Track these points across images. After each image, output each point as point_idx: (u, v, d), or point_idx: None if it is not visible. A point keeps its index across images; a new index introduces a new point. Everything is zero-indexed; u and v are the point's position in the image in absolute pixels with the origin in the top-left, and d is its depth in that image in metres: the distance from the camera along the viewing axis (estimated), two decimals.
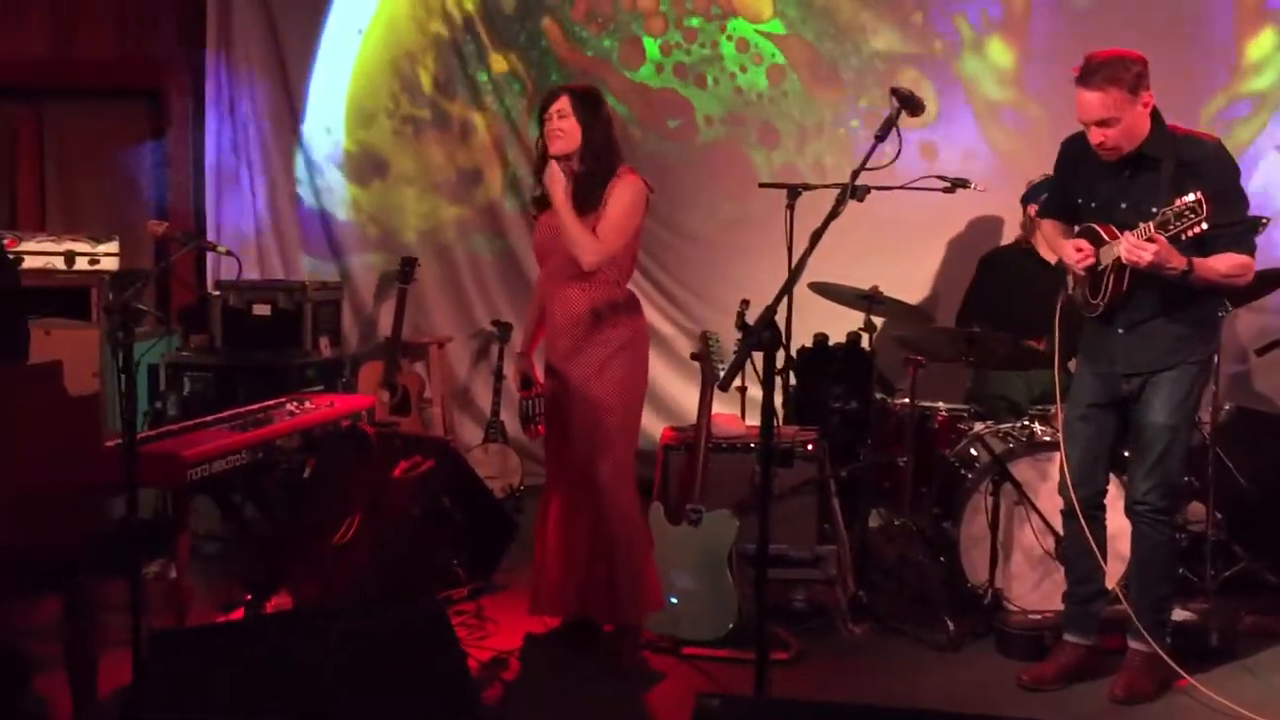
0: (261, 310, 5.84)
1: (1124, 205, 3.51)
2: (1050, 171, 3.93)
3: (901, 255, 5.76)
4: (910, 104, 3.28)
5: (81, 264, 5.63)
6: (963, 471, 4.39)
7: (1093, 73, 3.40)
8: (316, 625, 2.90)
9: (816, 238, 3.02)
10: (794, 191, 4.20)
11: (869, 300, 4.63)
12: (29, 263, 5.50)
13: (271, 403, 4.42)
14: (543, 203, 3.89)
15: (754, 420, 4.51)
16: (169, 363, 5.72)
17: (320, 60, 6.55)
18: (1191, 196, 3.23)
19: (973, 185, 4.16)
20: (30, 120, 6.85)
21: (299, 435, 4.19)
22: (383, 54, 6.53)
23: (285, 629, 2.98)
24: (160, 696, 2.57)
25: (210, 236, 6.46)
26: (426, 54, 6.49)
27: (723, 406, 4.49)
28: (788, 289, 3.14)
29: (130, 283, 4.85)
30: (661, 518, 4.08)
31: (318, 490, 4.31)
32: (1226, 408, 4.60)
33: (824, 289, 4.69)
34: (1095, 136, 3.47)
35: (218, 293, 5.94)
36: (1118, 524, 3.78)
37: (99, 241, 5.71)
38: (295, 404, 4.39)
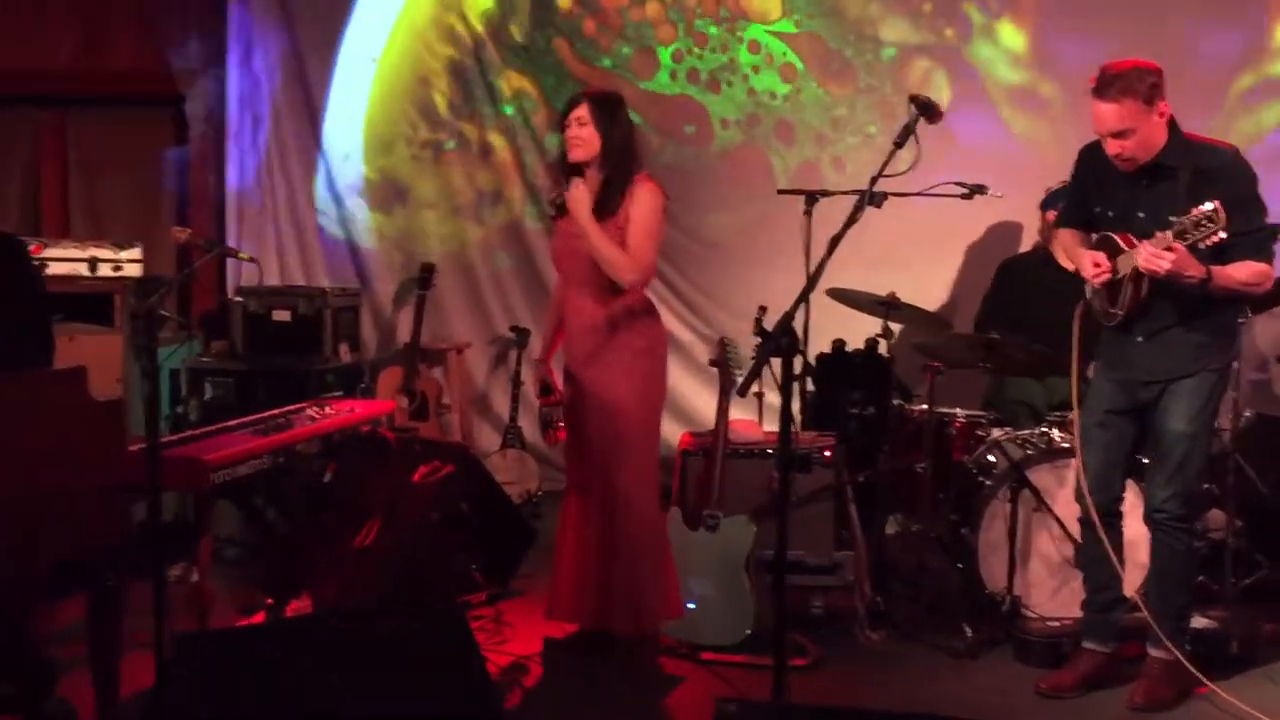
0: (282, 316, 5.88)
1: (1141, 214, 3.50)
2: (1067, 176, 3.92)
3: (919, 261, 5.76)
4: (928, 111, 3.29)
5: (105, 270, 5.68)
6: (981, 478, 4.38)
7: (1108, 84, 3.40)
8: (337, 629, 2.92)
9: (834, 244, 3.03)
10: (812, 198, 4.21)
11: (887, 306, 4.64)
12: (53, 269, 5.55)
13: (292, 408, 4.45)
14: (562, 208, 3.91)
15: (771, 426, 4.51)
16: (190, 368, 5.76)
17: (335, 88, 6.59)
18: (1209, 206, 3.22)
19: (990, 191, 4.16)
20: (55, 128, 6.92)
21: (319, 440, 4.22)
22: (398, 80, 6.56)
23: (305, 632, 3.00)
24: (182, 698, 2.60)
25: (231, 242, 6.52)
26: (440, 78, 6.53)
27: (740, 412, 4.50)
28: (805, 295, 3.15)
29: (153, 289, 4.91)
30: (679, 523, 4.09)
31: (338, 495, 4.34)
32: (1247, 415, 4.58)
33: (842, 295, 4.70)
34: (1112, 147, 3.47)
35: (239, 298, 5.98)
36: (1137, 531, 3.77)
37: (122, 248, 5.76)
38: (316, 409, 4.42)
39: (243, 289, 6.11)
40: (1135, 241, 3.45)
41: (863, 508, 4.55)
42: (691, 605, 4.02)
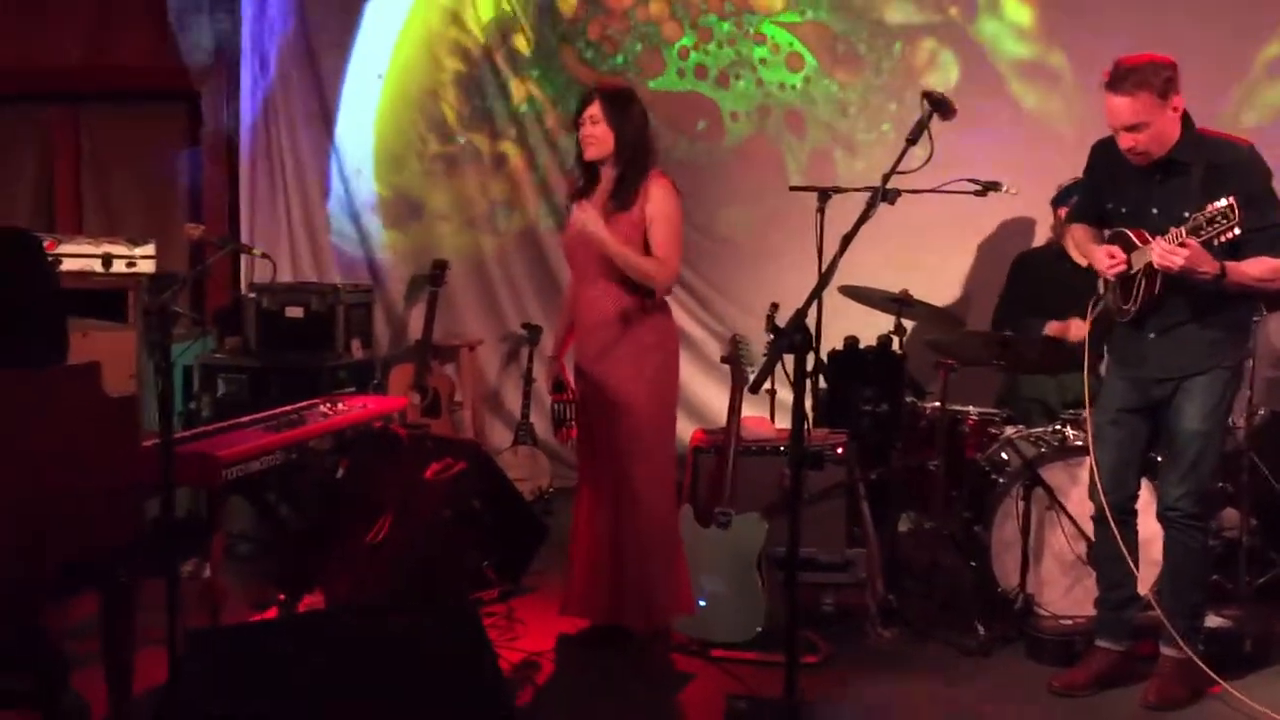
0: (295, 312, 5.89)
1: (1155, 210, 3.49)
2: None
3: (932, 258, 5.75)
4: (942, 107, 3.28)
5: (119, 266, 5.69)
6: (994, 476, 4.37)
7: (1122, 78, 3.39)
8: (349, 625, 2.92)
9: (847, 241, 3.03)
10: (824, 195, 4.20)
11: (900, 303, 4.63)
12: (67, 265, 5.57)
13: (305, 404, 4.46)
14: (578, 199, 3.91)
15: (784, 423, 4.51)
16: (203, 364, 5.77)
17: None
18: (1224, 202, 3.20)
19: (1004, 188, 4.14)
20: (68, 124, 6.94)
21: (332, 436, 4.23)
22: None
23: (318, 628, 3.01)
24: (195, 694, 2.60)
25: (244, 238, 6.54)
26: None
27: (752, 409, 4.49)
28: (818, 292, 3.15)
29: (167, 285, 4.92)
30: (691, 520, 4.09)
31: (350, 491, 4.35)
32: (1261, 413, 4.56)
33: (854, 292, 4.69)
34: (1125, 141, 3.46)
35: (252, 295, 5.99)
36: (1151, 529, 3.75)
37: (136, 244, 5.77)
38: (328, 405, 4.43)
39: (256, 285, 6.12)
40: (1149, 237, 3.43)
41: (875, 505, 4.54)
42: (703, 602, 4.01)
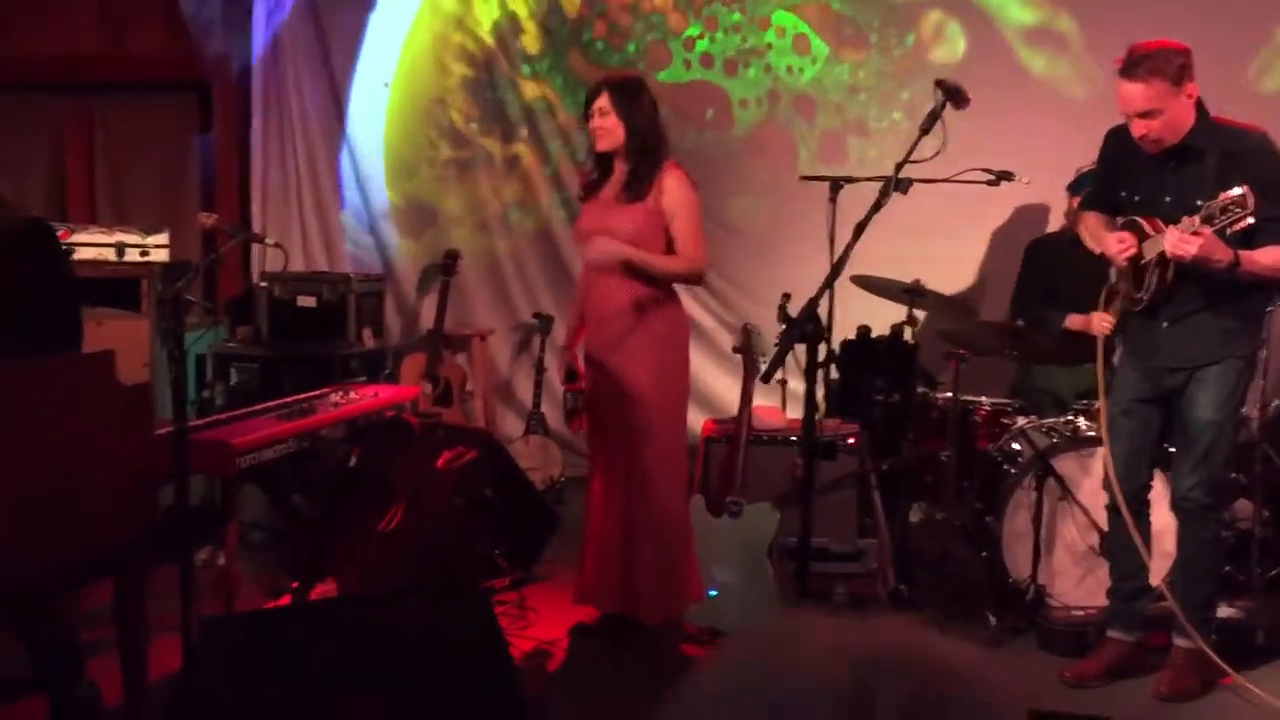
0: (306, 302, 5.90)
1: (1168, 198, 3.47)
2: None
3: (945, 247, 5.73)
4: (955, 96, 3.27)
5: (132, 255, 5.71)
6: (1005, 466, 4.36)
7: (1135, 64, 3.37)
8: (362, 612, 2.94)
9: (859, 230, 3.02)
10: (836, 185, 4.19)
11: (911, 293, 4.62)
12: (80, 254, 5.58)
13: (317, 393, 4.47)
14: (590, 190, 3.91)
15: (795, 413, 4.51)
16: (216, 353, 5.78)
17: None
18: (1237, 190, 3.19)
19: (1018, 178, 4.13)
20: (81, 114, 6.95)
21: (344, 425, 4.24)
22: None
23: (331, 616, 3.02)
24: (209, 681, 2.62)
25: (256, 228, 6.55)
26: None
27: (764, 399, 4.49)
28: (830, 282, 3.15)
29: (180, 274, 4.93)
30: (702, 510, 4.09)
31: (362, 479, 4.36)
32: (1275, 403, 4.54)
33: (866, 282, 4.68)
34: (1138, 129, 3.44)
35: (264, 284, 6.01)
36: (1163, 520, 3.75)
37: (149, 233, 5.79)
38: (340, 394, 4.44)
39: (268, 274, 6.13)
40: (1162, 226, 3.42)
41: (886, 495, 4.54)
42: (714, 592, 4.02)
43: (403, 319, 6.68)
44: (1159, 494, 3.77)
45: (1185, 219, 3.31)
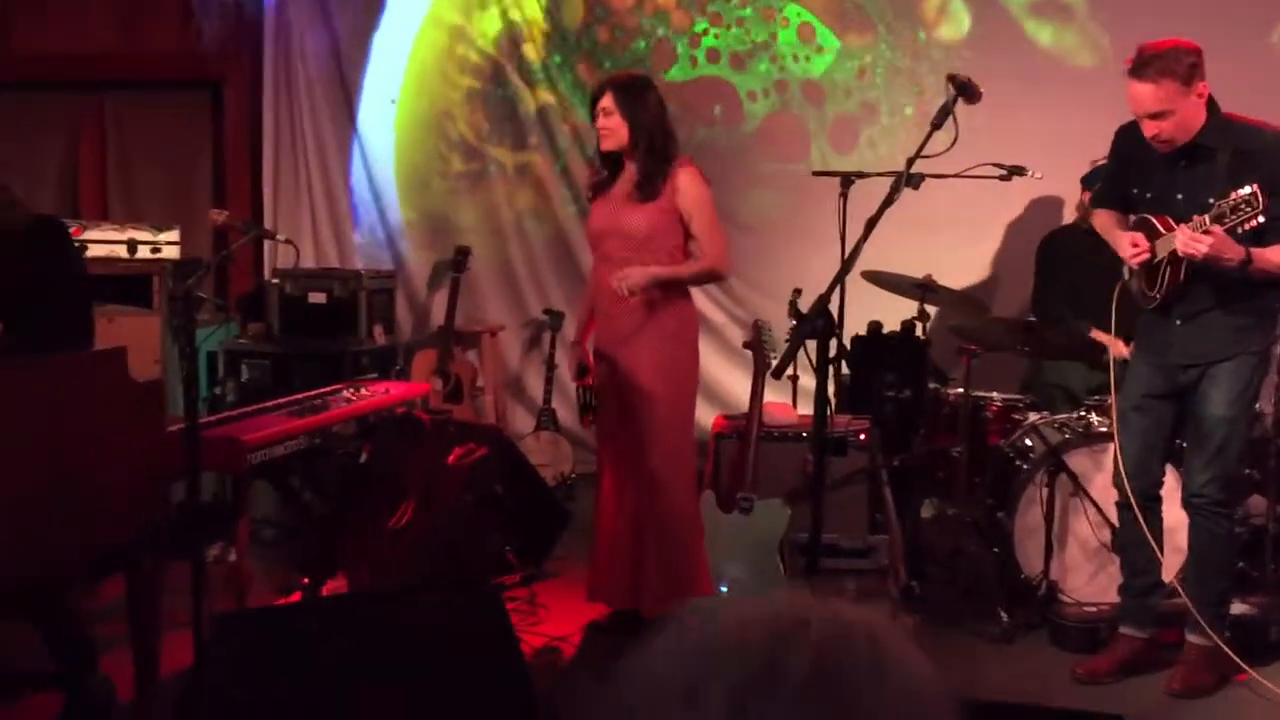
0: (317, 298, 5.91)
1: (1180, 197, 3.45)
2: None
3: (956, 242, 5.71)
4: (967, 91, 3.25)
5: (143, 252, 5.73)
6: (1017, 462, 4.35)
7: (1145, 65, 3.34)
8: (372, 609, 2.94)
9: (870, 226, 3.01)
10: (847, 180, 4.18)
11: (923, 289, 4.61)
12: (93, 251, 5.61)
13: (328, 389, 4.48)
14: (599, 188, 3.91)
15: (806, 409, 4.50)
16: (227, 349, 5.80)
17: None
18: (1247, 189, 3.17)
19: (1030, 173, 4.11)
20: (93, 111, 6.98)
21: (355, 421, 4.25)
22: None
23: (342, 612, 3.03)
24: (220, 677, 2.62)
25: (267, 224, 6.56)
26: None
27: (775, 395, 4.48)
28: (841, 277, 3.14)
29: (191, 271, 4.94)
30: (713, 506, 4.09)
31: (373, 476, 4.37)
32: None
33: (877, 278, 4.67)
34: (1149, 129, 3.42)
35: (275, 281, 6.02)
36: (1176, 516, 3.73)
37: (160, 230, 5.81)
38: (351, 391, 4.45)
39: (279, 271, 6.15)
40: (1173, 224, 3.40)
41: (898, 491, 4.53)
42: (724, 588, 4.01)
43: (413, 315, 6.69)
44: (1170, 489, 3.76)
45: (1196, 218, 3.30)
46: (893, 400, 5.04)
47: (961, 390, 4.48)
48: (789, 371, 4.95)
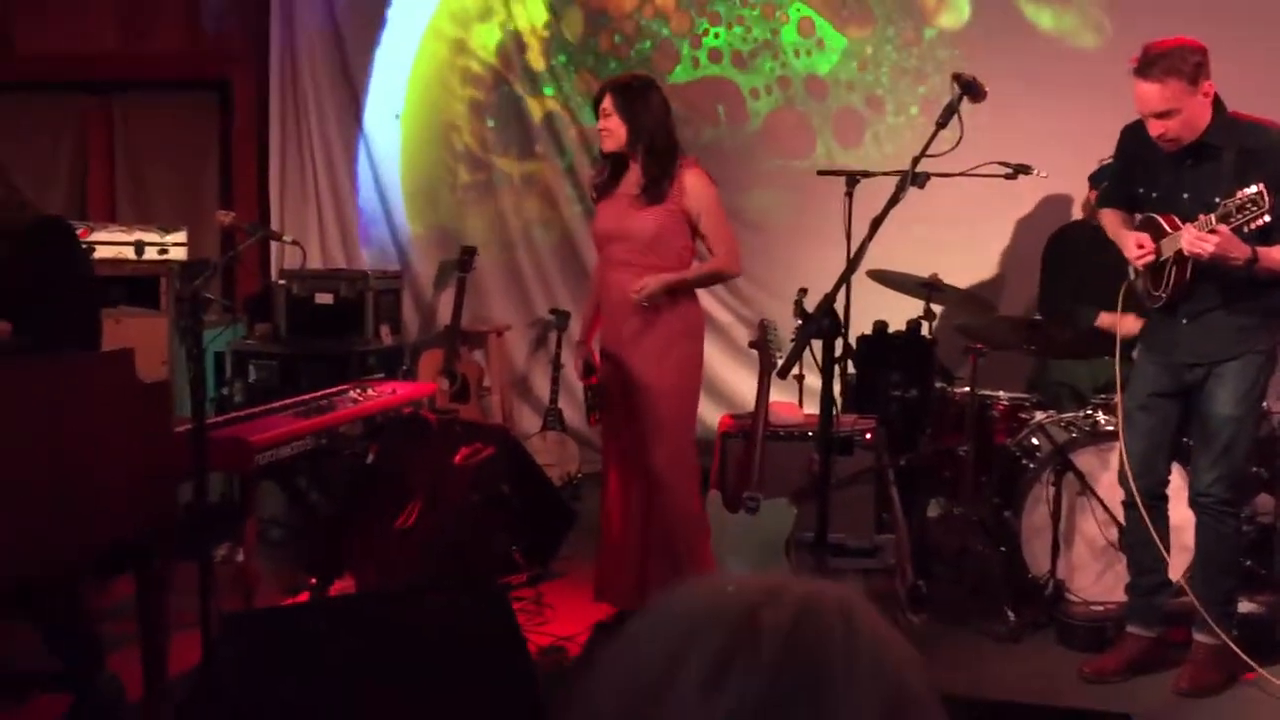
0: (324, 299, 5.92)
1: (1186, 196, 3.45)
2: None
3: (962, 240, 5.70)
4: (972, 90, 3.24)
5: (151, 253, 5.74)
6: (1024, 461, 4.35)
7: (1150, 64, 3.34)
8: (379, 609, 2.95)
9: (876, 225, 3.01)
10: (852, 179, 4.18)
11: (929, 288, 4.60)
12: (100, 252, 5.62)
13: (335, 390, 4.49)
14: (604, 189, 3.92)
15: (812, 408, 4.49)
16: (235, 350, 5.81)
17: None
18: (1254, 188, 3.17)
19: (1036, 171, 4.11)
20: (101, 113, 7.00)
21: (362, 422, 4.25)
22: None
23: (350, 612, 3.03)
24: (228, 677, 2.63)
25: (274, 225, 6.57)
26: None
27: (780, 394, 4.48)
28: (847, 276, 3.14)
29: (198, 272, 4.95)
30: (719, 505, 4.09)
31: (380, 476, 4.38)
32: None
33: (883, 277, 4.67)
34: (1155, 128, 3.41)
35: (282, 282, 6.03)
36: (1182, 515, 3.72)
37: (168, 231, 5.82)
38: (358, 391, 4.45)
39: (286, 272, 6.16)
40: (1179, 223, 3.40)
41: (904, 490, 4.53)
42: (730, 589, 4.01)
43: (420, 315, 6.69)
44: (1177, 488, 3.75)
45: (1201, 217, 3.29)
46: (899, 399, 5.04)
47: (968, 389, 4.48)
48: (795, 371, 4.95)
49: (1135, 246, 3.51)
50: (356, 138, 6.68)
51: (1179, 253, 3.38)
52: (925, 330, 4.87)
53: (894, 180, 3.12)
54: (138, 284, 5.64)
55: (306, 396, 4.35)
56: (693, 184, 3.79)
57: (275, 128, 6.70)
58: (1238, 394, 3.47)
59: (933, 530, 4.72)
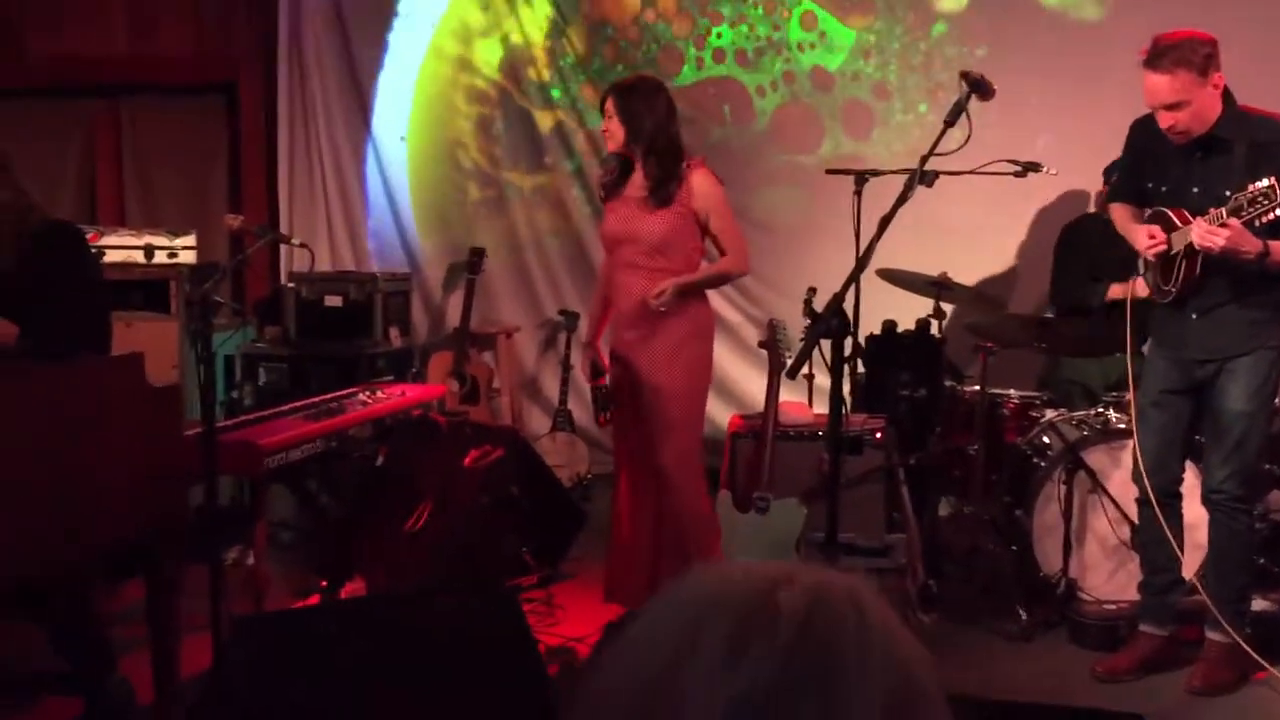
0: (333, 301, 5.93)
1: (1196, 189, 3.43)
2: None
3: (971, 239, 5.68)
4: (980, 88, 3.24)
5: (160, 257, 5.76)
6: (1035, 459, 4.33)
7: (1160, 55, 3.32)
8: (389, 611, 2.95)
9: (885, 224, 3.00)
10: (861, 178, 4.17)
11: (938, 287, 4.59)
12: (110, 256, 5.63)
13: (344, 392, 4.49)
14: (611, 190, 3.92)
15: (821, 408, 4.49)
16: (244, 353, 5.82)
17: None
18: (1265, 182, 3.15)
19: (1045, 169, 4.09)
20: (109, 116, 7.01)
21: (371, 424, 4.26)
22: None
23: (360, 614, 3.04)
24: (239, 679, 2.63)
25: (283, 228, 6.58)
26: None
27: (790, 394, 4.47)
28: (855, 276, 3.13)
29: (208, 275, 4.96)
30: (729, 505, 4.08)
31: (390, 478, 4.38)
32: None
33: (892, 276, 4.66)
34: (1164, 121, 3.40)
35: (291, 284, 6.04)
36: (1195, 513, 3.71)
37: (177, 235, 5.83)
38: (368, 393, 4.46)
39: (295, 275, 6.16)
40: (1189, 217, 3.38)
41: (914, 490, 4.51)
42: None
43: (429, 317, 6.70)
44: (1190, 486, 3.74)
45: (1212, 210, 3.28)
46: (908, 398, 5.03)
47: (978, 388, 4.47)
48: (804, 370, 4.94)
49: (1146, 238, 3.50)
50: (365, 140, 6.68)
51: (1189, 246, 3.37)
52: (935, 329, 4.86)
53: (903, 179, 3.11)
54: (148, 288, 5.65)
55: (316, 399, 4.36)
56: (700, 184, 3.79)
57: (283, 131, 6.70)
58: (1249, 390, 3.45)
59: (943, 529, 4.71)
